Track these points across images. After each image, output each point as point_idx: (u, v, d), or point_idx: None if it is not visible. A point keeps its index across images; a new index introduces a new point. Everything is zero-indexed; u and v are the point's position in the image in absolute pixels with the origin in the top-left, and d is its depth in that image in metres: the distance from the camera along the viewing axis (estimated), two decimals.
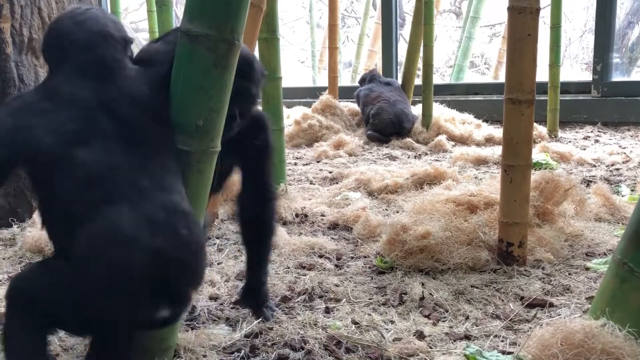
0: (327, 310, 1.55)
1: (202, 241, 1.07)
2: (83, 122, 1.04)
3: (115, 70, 1.12)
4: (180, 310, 1.05)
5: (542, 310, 1.52)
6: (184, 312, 1.10)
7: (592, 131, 4.36)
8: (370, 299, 1.62)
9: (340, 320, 1.48)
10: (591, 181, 2.83)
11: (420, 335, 1.40)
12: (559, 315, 1.48)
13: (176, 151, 1.14)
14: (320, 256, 1.96)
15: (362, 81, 4.79)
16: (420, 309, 1.54)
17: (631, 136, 4.12)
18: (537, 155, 3.17)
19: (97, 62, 1.12)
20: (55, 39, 1.16)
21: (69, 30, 1.14)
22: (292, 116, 5.05)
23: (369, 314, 1.51)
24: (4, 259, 2.00)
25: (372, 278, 1.77)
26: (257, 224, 1.51)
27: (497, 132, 4.13)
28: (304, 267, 1.86)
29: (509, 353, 1.27)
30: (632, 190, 2.65)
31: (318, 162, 3.77)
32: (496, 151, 3.54)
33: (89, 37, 1.13)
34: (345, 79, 8.18)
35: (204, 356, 1.33)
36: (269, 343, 1.36)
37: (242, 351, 1.33)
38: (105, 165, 1.01)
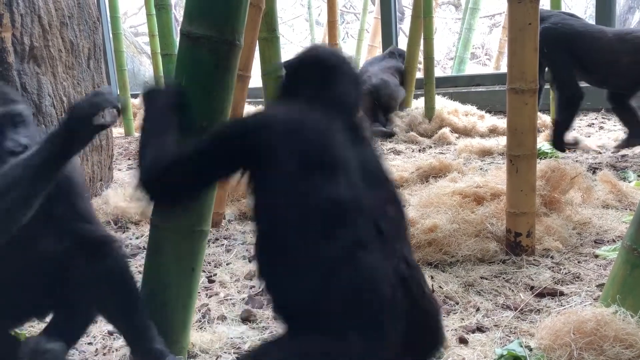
0: None
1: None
2: None
3: None
4: None
5: (552, 299, 1.52)
6: None
7: (596, 118, 4.35)
8: None
9: None
10: (597, 168, 2.81)
11: None
12: (569, 304, 1.48)
13: None
14: None
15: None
16: None
17: None
18: (542, 144, 3.16)
19: None
20: None
21: None
22: None
23: None
24: None
25: None
26: None
27: (501, 122, 4.12)
28: None
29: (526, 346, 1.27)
30: (639, 176, 2.64)
31: None
32: (501, 142, 3.53)
33: None
34: None
35: (218, 356, 1.33)
36: None
37: None
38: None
